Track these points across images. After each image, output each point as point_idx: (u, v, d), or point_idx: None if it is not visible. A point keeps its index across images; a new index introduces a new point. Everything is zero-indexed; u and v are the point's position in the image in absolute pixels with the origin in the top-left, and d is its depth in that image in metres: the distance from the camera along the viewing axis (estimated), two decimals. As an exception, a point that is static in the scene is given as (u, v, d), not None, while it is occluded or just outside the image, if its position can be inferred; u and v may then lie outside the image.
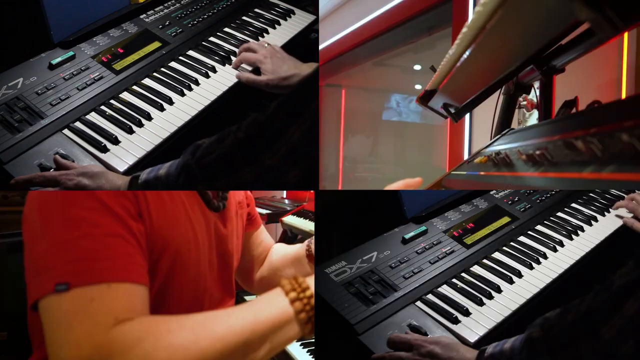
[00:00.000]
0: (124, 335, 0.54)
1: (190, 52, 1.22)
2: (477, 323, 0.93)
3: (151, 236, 0.69)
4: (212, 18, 1.32)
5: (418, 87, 3.76)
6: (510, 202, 1.33)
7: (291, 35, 1.32)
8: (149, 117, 1.04)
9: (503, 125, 1.22)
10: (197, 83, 1.14)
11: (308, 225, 1.86)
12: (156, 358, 0.52)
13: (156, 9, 1.30)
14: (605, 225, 1.29)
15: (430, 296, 0.99)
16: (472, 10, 2.38)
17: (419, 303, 0.97)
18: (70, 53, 1.12)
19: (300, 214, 2.02)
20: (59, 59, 1.09)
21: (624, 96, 1.65)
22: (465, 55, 0.74)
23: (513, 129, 1.18)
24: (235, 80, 1.17)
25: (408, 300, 0.97)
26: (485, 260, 1.12)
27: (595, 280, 1.16)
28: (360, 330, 0.88)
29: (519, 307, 0.98)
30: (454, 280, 1.04)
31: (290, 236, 2.10)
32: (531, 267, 1.10)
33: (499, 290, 1.01)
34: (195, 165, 0.76)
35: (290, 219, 1.99)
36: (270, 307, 0.60)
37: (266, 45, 1.19)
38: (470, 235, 1.18)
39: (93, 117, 1.03)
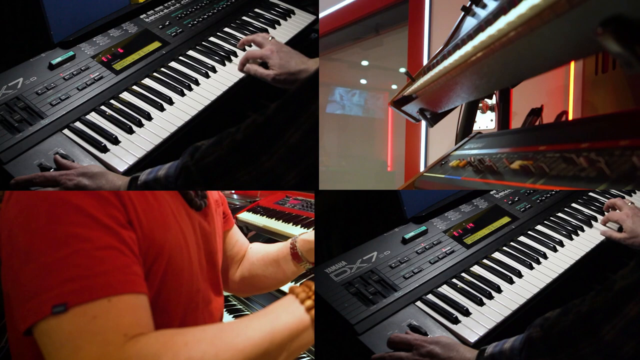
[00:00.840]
0: (141, 352, 0.52)
1: (190, 52, 1.22)
2: (477, 323, 0.93)
3: (143, 242, 0.67)
4: (212, 18, 1.32)
5: (363, 81, 3.93)
6: (510, 202, 1.33)
7: (291, 35, 1.32)
8: (149, 117, 1.04)
9: (465, 127, 1.24)
10: (197, 83, 1.14)
11: (263, 221, 1.88)
12: None
13: (156, 9, 1.30)
14: (606, 225, 1.29)
15: (430, 296, 0.99)
16: (428, 11, 2.46)
17: (419, 303, 0.98)
18: (70, 53, 1.12)
19: (255, 210, 2.03)
20: (59, 59, 1.09)
21: (571, 102, 1.73)
22: (459, 71, 0.74)
23: (480, 132, 1.19)
24: (235, 80, 1.17)
25: (408, 300, 0.97)
26: (485, 260, 1.12)
27: (595, 280, 1.17)
28: (360, 330, 0.88)
29: (519, 307, 0.98)
30: (454, 280, 1.04)
31: (245, 232, 2.10)
32: (531, 267, 1.10)
33: (499, 290, 1.01)
34: (194, 167, 0.76)
35: (246, 216, 2.00)
36: (286, 315, 0.61)
37: (270, 38, 1.18)
38: (470, 235, 1.18)
39: (93, 117, 1.03)
